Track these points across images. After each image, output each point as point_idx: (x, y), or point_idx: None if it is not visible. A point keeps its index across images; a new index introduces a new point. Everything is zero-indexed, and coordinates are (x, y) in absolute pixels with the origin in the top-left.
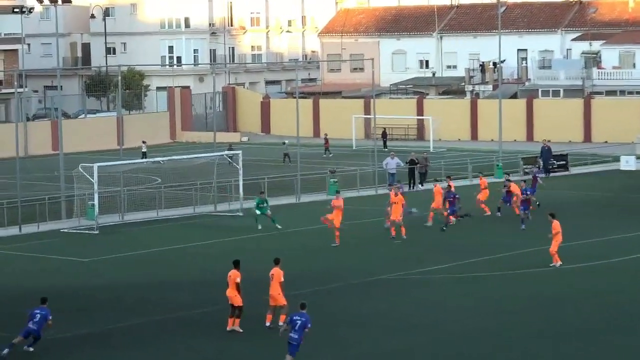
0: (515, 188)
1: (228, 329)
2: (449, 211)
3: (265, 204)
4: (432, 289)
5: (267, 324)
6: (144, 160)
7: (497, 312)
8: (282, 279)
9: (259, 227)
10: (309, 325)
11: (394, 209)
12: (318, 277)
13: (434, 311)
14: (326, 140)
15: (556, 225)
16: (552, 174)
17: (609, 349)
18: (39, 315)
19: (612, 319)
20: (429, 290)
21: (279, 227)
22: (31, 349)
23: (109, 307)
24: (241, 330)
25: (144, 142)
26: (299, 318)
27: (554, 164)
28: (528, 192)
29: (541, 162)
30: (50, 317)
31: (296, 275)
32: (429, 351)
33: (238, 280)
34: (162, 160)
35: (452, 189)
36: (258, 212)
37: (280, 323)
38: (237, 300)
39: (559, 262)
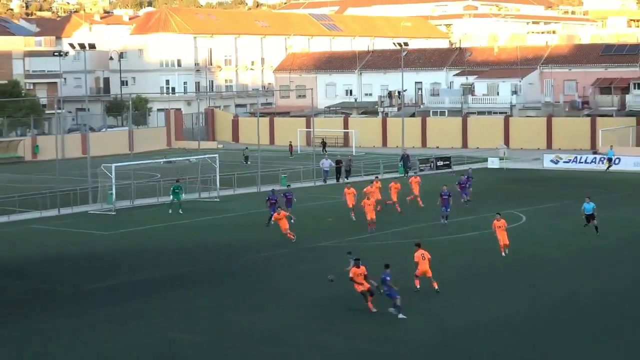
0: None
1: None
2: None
3: (179, 190)
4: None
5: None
6: (147, 161)
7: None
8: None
9: (170, 211)
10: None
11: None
12: (275, 244)
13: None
14: (290, 146)
15: (503, 222)
16: (413, 174)
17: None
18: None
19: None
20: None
21: (181, 212)
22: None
23: (125, 267)
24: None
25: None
26: (386, 276)
27: (411, 167)
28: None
29: (401, 165)
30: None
31: (257, 242)
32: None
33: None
34: (163, 162)
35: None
36: (172, 196)
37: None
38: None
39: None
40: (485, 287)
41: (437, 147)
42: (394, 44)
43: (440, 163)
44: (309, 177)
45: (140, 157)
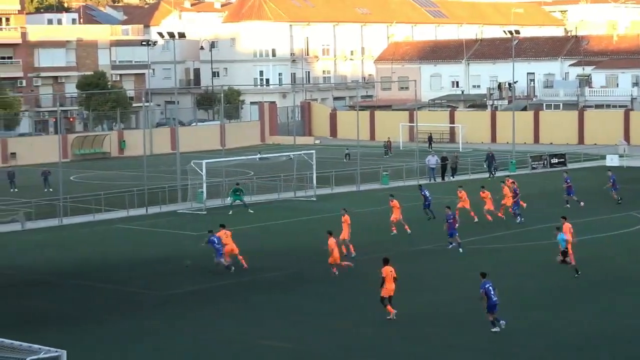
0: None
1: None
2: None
3: (241, 192)
4: (460, 256)
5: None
6: (240, 157)
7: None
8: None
9: (230, 212)
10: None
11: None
12: (375, 247)
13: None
14: (389, 142)
15: (566, 227)
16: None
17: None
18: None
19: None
20: (456, 257)
21: (251, 211)
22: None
23: (209, 270)
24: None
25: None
26: (490, 285)
27: (497, 168)
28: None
29: (486, 166)
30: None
31: (356, 245)
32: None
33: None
34: (257, 158)
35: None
36: (231, 198)
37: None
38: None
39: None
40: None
41: (551, 144)
42: (504, 31)
43: (554, 160)
44: (412, 175)
45: (232, 153)
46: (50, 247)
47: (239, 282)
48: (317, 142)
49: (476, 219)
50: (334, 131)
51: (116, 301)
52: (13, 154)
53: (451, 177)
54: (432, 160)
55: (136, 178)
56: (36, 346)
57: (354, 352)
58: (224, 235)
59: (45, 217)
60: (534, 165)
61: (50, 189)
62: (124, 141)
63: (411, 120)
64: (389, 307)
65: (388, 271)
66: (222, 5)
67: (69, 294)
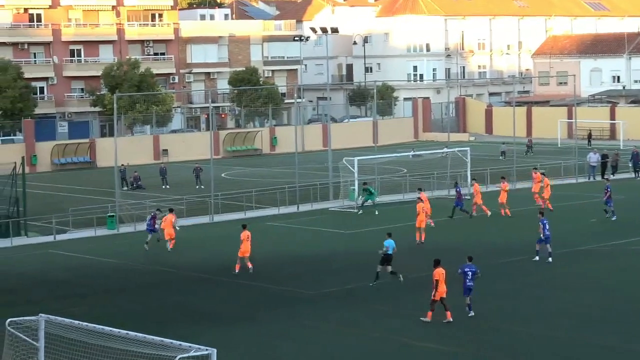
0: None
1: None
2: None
3: (369, 193)
4: (620, 258)
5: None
6: (393, 154)
7: None
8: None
9: (359, 212)
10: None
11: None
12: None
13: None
14: (530, 142)
15: None
16: None
17: None
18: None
19: None
20: (616, 260)
21: (377, 213)
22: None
23: (361, 269)
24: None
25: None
26: (469, 269)
27: None
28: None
29: (631, 165)
30: None
31: (507, 245)
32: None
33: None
34: (411, 155)
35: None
36: (363, 197)
37: None
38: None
39: None
40: None
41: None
42: None
43: None
44: (570, 173)
45: (385, 150)
46: (201, 244)
47: (387, 282)
48: (472, 138)
49: (489, 213)
50: (489, 127)
51: (266, 299)
52: (165, 150)
53: (611, 175)
54: (594, 157)
55: (287, 175)
56: (186, 344)
57: (508, 352)
58: (164, 220)
59: (196, 214)
60: None
61: (202, 186)
62: (275, 138)
63: (570, 116)
64: (448, 313)
65: (440, 273)
66: (375, 0)
67: (221, 291)
